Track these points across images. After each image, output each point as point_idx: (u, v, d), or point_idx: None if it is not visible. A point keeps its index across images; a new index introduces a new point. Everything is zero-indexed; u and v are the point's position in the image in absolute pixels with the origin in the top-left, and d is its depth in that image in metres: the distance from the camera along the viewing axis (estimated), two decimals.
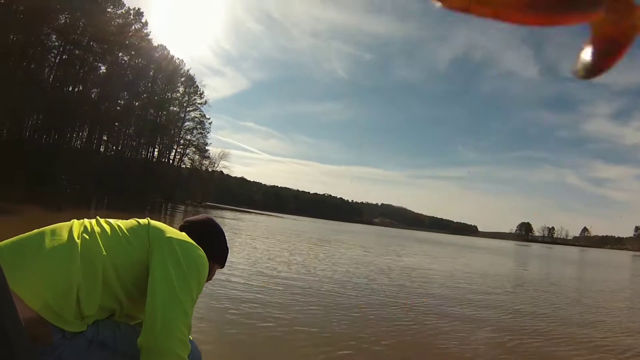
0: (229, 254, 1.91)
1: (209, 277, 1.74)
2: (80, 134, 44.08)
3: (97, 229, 1.50)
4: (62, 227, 1.46)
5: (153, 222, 1.60)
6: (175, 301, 1.37)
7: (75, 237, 1.41)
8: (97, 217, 1.60)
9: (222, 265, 1.87)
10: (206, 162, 65.16)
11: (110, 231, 1.50)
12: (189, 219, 1.85)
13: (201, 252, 1.57)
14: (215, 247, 1.78)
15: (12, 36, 32.00)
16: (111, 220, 1.58)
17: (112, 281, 1.40)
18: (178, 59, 56.58)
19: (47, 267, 1.32)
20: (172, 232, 1.58)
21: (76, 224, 1.49)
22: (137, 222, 1.59)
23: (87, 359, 1.37)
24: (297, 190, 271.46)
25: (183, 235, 1.59)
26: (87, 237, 1.44)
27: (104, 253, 1.40)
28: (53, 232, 1.42)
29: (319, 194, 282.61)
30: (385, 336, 4.33)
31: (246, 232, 18.58)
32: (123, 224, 1.57)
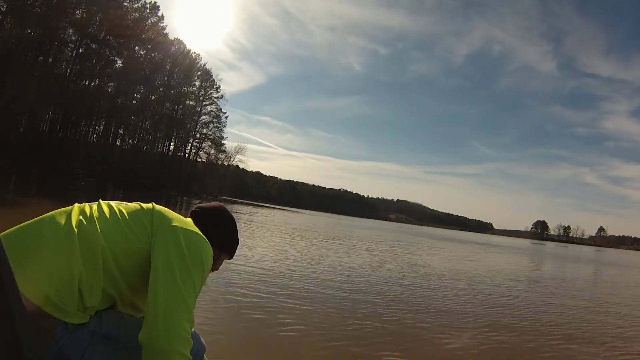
0: (239, 245, 1.81)
1: (216, 267, 1.70)
2: (97, 127, 44.53)
3: (96, 213, 1.42)
4: (61, 213, 1.40)
5: (157, 208, 1.52)
6: (178, 297, 1.32)
7: (74, 225, 1.34)
8: (100, 200, 1.52)
9: (230, 256, 1.78)
10: (222, 156, 65.53)
11: (110, 216, 1.43)
12: (201, 205, 1.75)
13: (206, 242, 1.49)
14: (224, 236, 1.71)
15: (29, 30, 32.35)
16: (113, 204, 1.50)
17: (112, 270, 1.35)
18: (194, 53, 56.75)
19: (47, 258, 1.27)
20: (177, 219, 1.50)
21: (75, 209, 1.42)
22: (141, 206, 1.52)
23: (89, 351, 1.33)
24: (313, 185, 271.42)
25: (188, 223, 1.53)
26: (85, 222, 1.37)
27: (103, 240, 1.34)
28: (52, 220, 1.36)
29: (335, 189, 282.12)
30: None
31: (262, 227, 18.45)
32: (125, 208, 1.49)
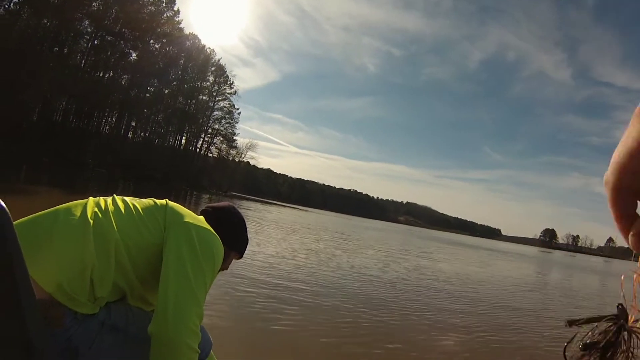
0: (248, 244, 1.84)
1: (225, 266, 1.71)
2: (109, 119, 44.70)
3: (111, 207, 1.44)
4: (77, 205, 1.42)
5: (171, 204, 1.55)
6: (189, 290, 1.33)
7: (89, 217, 1.36)
8: (114, 195, 1.55)
9: (240, 255, 1.81)
10: (233, 152, 65.76)
11: (125, 210, 1.46)
12: (211, 205, 1.79)
13: (218, 239, 1.51)
14: (234, 235, 1.73)
15: (45, 21, 32.53)
16: (127, 199, 1.53)
17: (124, 262, 1.36)
18: (209, 48, 56.87)
19: (61, 247, 1.29)
20: (190, 216, 1.52)
21: (91, 202, 1.44)
22: (155, 202, 1.55)
23: (97, 342, 1.32)
24: (323, 184, 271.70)
25: (201, 220, 1.55)
26: (101, 215, 1.39)
27: (117, 233, 1.36)
28: (67, 211, 1.38)
29: (345, 189, 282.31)
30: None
31: (272, 225, 18.40)
32: (139, 203, 1.52)
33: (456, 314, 5.76)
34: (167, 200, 1.58)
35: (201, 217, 1.62)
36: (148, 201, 1.55)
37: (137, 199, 1.55)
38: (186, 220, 1.47)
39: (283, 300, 4.81)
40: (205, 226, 1.51)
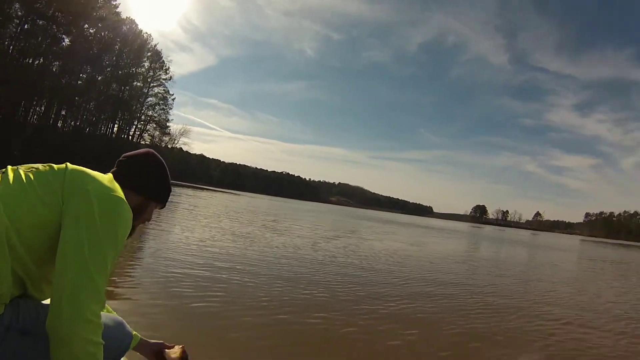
0: (170, 195, 1.65)
1: (148, 217, 1.59)
2: (38, 108, 41.69)
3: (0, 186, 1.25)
4: None
5: (71, 168, 1.35)
6: (85, 276, 1.17)
7: None
8: (7, 166, 1.34)
9: (161, 204, 1.63)
10: (166, 138, 64.16)
11: (16, 185, 1.25)
12: (127, 154, 1.61)
13: (122, 205, 1.32)
14: (151, 182, 1.56)
15: None
16: (21, 170, 1.32)
17: (17, 248, 1.19)
18: (146, 33, 54.22)
19: None
20: (92, 179, 1.33)
21: None
22: (52, 168, 1.34)
23: (3, 349, 1.19)
24: (256, 167, 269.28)
25: (106, 181, 1.36)
26: None
27: (5, 218, 1.17)
28: None
29: (277, 172, 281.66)
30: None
31: (203, 210, 18.50)
32: (34, 173, 1.31)
33: (381, 286, 6.36)
34: (67, 164, 1.38)
35: (108, 176, 1.43)
36: (44, 167, 1.34)
37: (34, 167, 1.35)
38: (87, 187, 1.28)
39: (211, 280, 5.10)
40: (111, 189, 1.33)
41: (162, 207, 1.65)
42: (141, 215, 1.53)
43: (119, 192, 1.35)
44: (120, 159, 1.57)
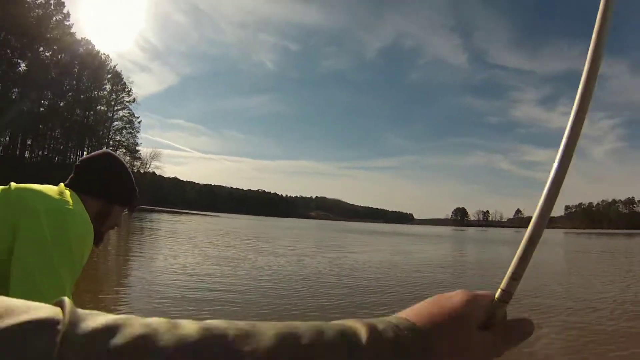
0: (136, 194, 1.54)
1: (116, 223, 1.49)
2: (1, 139, 39.86)
3: None
4: None
5: (15, 187, 1.24)
6: (36, 296, 1.04)
7: None
8: None
9: (126, 206, 1.52)
10: (137, 163, 63.16)
11: None
12: (83, 157, 1.50)
13: (73, 216, 1.22)
14: (112, 185, 1.45)
15: None
16: None
17: None
18: (103, 54, 53.29)
19: None
20: (39, 195, 1.22)
21: None
22: None
23: None
24: (231, 187, 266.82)
25: (54, 192, 1.26)
26: None
27: None
28: None
29: (253, 190, 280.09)
30: None
31: (183, 235, 18.86)
32: None
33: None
34: (11, 183, 1.27)
35: (57, 188, 1.32)
36: None
37: None
38: (34, 204, 1.19)
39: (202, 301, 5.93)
40: (59, 201, 1.24)
41: (130, 211, 1.56)
42: (106, 221, 1.43)
43: (70, 202, 1.26)
44: (77, 163, 1.46)
